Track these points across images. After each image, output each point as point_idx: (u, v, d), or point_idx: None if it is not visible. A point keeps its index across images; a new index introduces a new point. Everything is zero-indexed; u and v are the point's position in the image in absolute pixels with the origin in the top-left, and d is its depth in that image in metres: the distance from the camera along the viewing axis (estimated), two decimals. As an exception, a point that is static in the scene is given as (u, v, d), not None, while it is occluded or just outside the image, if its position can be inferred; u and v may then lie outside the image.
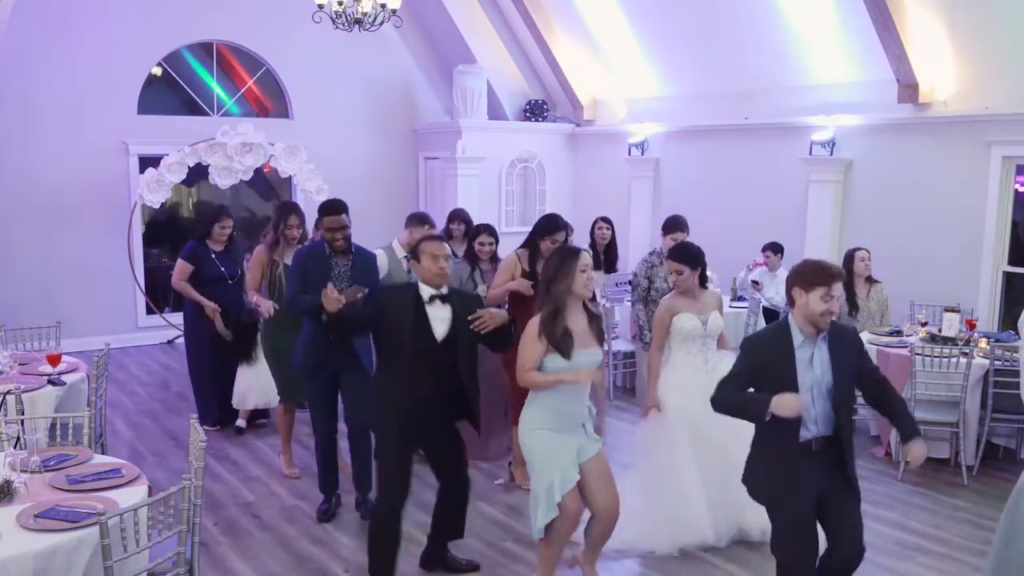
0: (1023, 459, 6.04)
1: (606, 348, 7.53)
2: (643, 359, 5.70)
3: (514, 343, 4.09)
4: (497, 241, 5.86)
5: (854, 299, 6.68)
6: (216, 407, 6.62)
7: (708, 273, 4.97)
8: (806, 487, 3.42)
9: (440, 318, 3.97)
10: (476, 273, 5.68)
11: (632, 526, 4.49)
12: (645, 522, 4.60)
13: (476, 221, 6.30)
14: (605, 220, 7.26)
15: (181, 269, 6.52)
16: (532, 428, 3.87)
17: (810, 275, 3.38)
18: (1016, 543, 3.30)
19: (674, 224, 5.88)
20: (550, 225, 5.30)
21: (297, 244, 5.69)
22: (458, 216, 6.64)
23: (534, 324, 3.81)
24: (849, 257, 6.71)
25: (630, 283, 6.05)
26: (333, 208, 5.13)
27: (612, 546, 4.38)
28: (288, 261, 5.57)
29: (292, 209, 5.76)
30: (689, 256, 4.76)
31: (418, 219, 5.95)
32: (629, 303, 7.03)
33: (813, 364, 3.42)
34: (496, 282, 5.42)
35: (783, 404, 3.29)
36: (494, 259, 5.85)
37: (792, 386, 3.37)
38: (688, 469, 4.58)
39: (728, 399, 3.48)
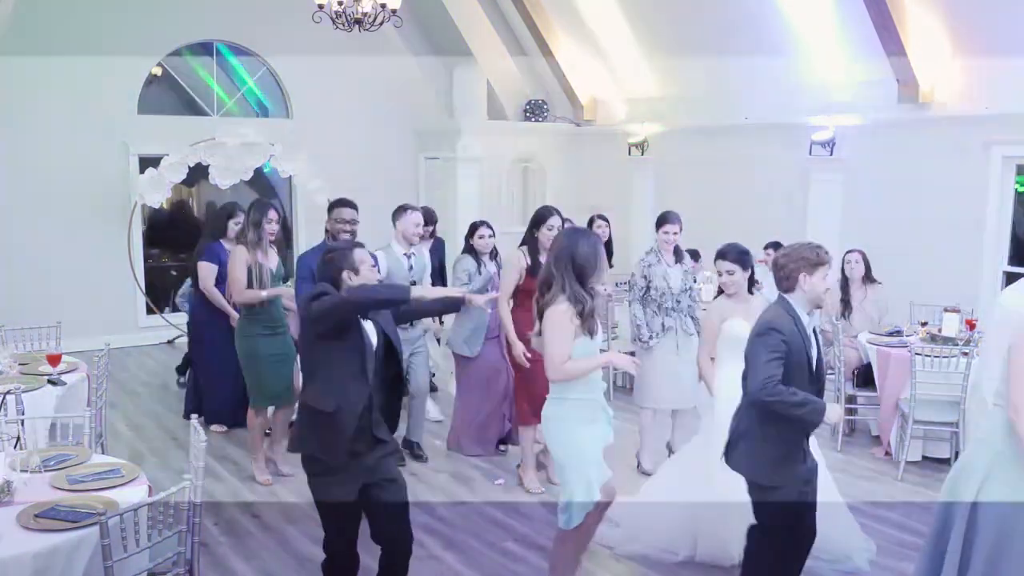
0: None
1: (606, 348, 7.62)
2: (642, 357, 5.68)
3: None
4: (494, 233, 6.13)
5: (848, 300, 6.77)
6: (225, 408, 6.56)
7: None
8: (807, 471, 3.54)
9: (370, 330, 3.68)
10: (481, 265, 5.93)
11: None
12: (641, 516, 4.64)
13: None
14: (602, 217, 7.40)
15: (209, 273, 6.36)
16: (566, 424, 3.73)
17: (812, 257, 3.49)
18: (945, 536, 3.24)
19: (665, 218, 5.86)
20: (541, 214, 5.48)
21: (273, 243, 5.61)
22: (433, 219, 7.12)
23: (562, 316, 3.61)
24: (842, 261, 6.85)
25: (628, 283, 6.05)
26: (343, 201, 5.22)
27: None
28: (265, 262, 5.45)
29: (271, 205, 5.65)
30: (742, 257, 4.66)
31: (402, 208, 6.04)
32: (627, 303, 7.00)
33: (813, 345, 3.55)
34: (504, 282, 5.56)
35: (834, 414, 3.48)
36: (494, 254, 6.07)
37: (809, 368, 3.48)
38: (702, 480, 4.39)
39: (786, 395, 3.35)
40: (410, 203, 6.33)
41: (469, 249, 5.98)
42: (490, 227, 6.06)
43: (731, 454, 3.62)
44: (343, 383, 3.54)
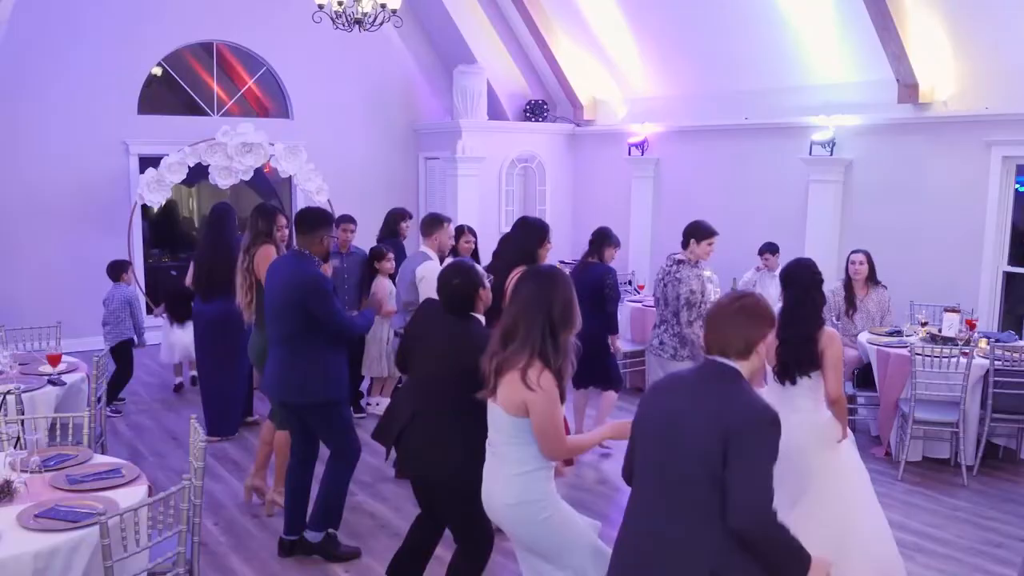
0: (1023, 459, 6.05)
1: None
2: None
3: None
4: (476, 239, 6.66)
5: (852, 299, 6.78)
6: (236, 416, 6.52)
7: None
8: None
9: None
10: None
11: None
12: None
13: (476, 221, 6.51)
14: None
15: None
16: (549, 500, 3.05)
17: None
18: None
19: (712, 230, 5.65)
20: (540, 231, 5.07)
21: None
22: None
23: (550, 381, 2.94)
24: (846, 261, 6.89)
25: (686, 298, 5.53)
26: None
27: None
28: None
29: (280, 210, 5.51)
30: None
31: (439, 220, 6.03)
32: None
33: None
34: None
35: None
36: (474, 255, 6.51)
37: None
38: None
39: (788, 534, 2.54)
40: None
41: (453, 251, 6.19)
42: (473, 232, 6.59)
43: None
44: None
